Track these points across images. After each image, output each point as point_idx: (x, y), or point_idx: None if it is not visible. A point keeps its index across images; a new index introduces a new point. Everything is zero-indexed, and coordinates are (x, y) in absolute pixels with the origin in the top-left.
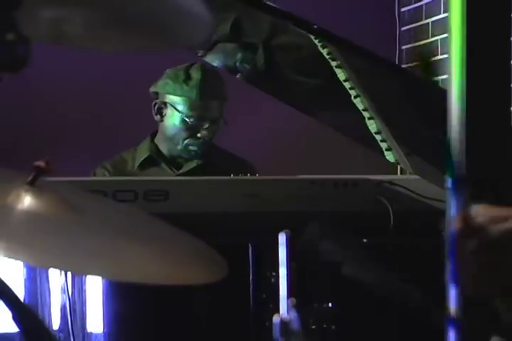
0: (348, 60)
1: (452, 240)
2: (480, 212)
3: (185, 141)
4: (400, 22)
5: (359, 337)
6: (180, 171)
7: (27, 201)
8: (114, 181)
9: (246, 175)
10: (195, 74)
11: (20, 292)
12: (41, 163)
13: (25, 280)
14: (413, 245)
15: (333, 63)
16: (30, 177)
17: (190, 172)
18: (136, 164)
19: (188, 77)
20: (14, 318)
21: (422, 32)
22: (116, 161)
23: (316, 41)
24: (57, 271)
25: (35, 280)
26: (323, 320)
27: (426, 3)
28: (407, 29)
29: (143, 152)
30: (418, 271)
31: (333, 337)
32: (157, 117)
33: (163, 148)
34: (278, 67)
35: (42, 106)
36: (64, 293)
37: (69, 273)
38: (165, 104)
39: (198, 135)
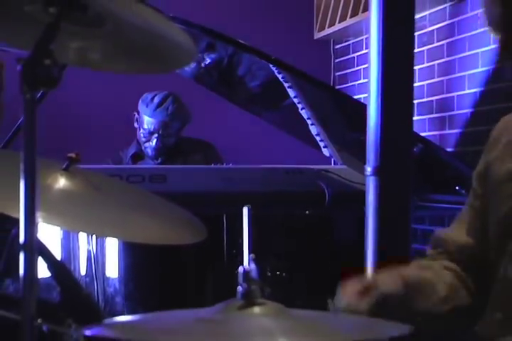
0: (296, 83)
1: None
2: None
3: (144, 144)
4: (335, 55)
5: (303, 281)
6: (158, 161)
7: (62, 182)
8: (128, 168)
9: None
10: (156, 99)
11: (57, 248)
12: (72, 154)
13: (61, 239)
14: (341, 216)
15: (286, 84)
16: (64, 165)
17: (165, 161)
18: (128, 159)
19: (151, 101)
20: (49, 268)
21: (350, 63)
22: (115, 158)
23: (273, 69)
24: (85, 233)
25: (69, 240)
26: (276, 269)
27: (353, 43)
28: (340, 61)
29: (131, 150)
30: (344, 234)
31: (284, 281)
32: (135, 124)
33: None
34: (236, 77)
35: (73, 115)
36: (89, 246)
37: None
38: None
39: (151, 143)
